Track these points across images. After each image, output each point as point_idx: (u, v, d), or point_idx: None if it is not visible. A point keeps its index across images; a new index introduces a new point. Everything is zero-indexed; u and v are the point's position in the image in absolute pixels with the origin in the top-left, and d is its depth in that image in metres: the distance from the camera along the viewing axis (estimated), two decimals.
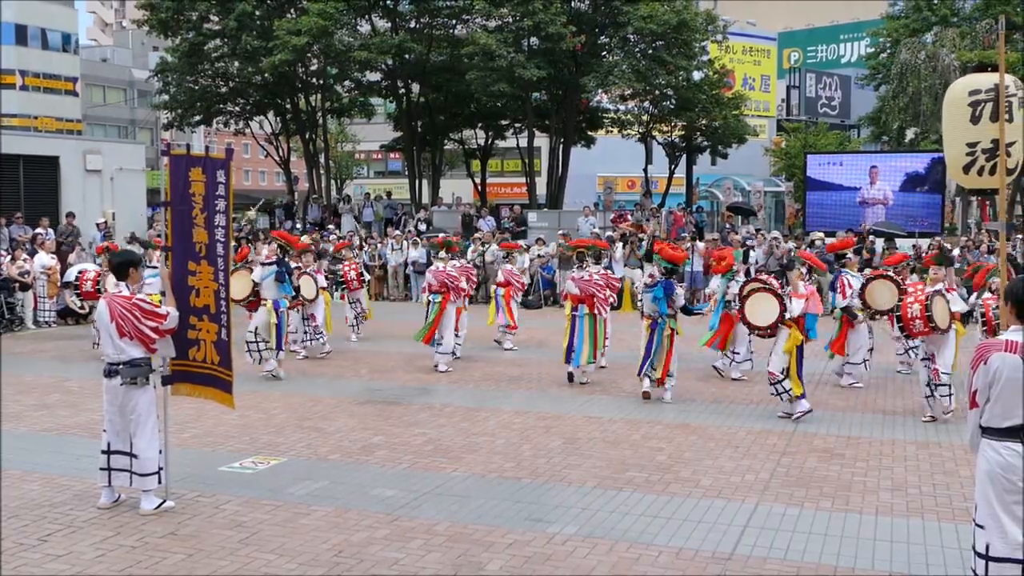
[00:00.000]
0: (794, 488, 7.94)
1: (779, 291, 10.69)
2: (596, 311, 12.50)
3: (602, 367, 13.36)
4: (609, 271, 15.21)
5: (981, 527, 5.15)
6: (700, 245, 22.16)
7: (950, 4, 37.61)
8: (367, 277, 16.24)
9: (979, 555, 5.16)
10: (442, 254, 14.40)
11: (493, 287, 16.36)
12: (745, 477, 8.26)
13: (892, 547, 6.57)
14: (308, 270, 14.58)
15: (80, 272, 15.73)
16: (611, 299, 13.08)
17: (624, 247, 21.94)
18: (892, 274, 12.50)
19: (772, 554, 6.43)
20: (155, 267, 13.08)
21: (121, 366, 7.17)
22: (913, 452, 9.19)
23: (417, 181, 34.02)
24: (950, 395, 10.37)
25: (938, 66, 31.78)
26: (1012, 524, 5.03)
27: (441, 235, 20.57)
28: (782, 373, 10.35)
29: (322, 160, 35.06)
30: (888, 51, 38.54)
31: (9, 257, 18.77)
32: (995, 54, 27.30)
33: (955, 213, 36.11)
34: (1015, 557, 5.03)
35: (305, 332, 14.66)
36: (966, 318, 10.85)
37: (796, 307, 10.42)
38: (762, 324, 10.58)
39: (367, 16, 31.36)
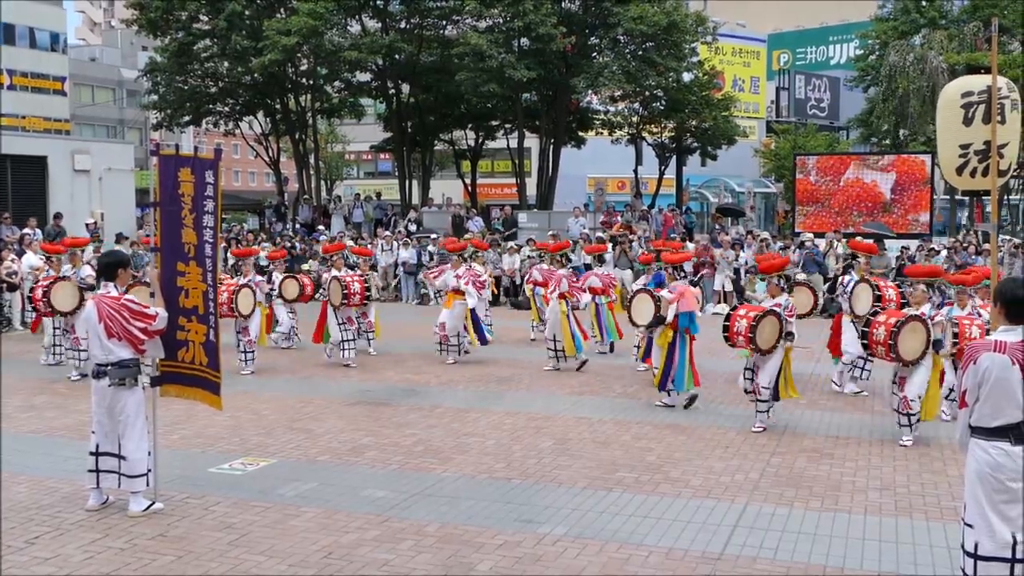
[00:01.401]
0: (784, 488, 7.96)
1: (655, 294, 11.65)
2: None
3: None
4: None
5: (970, 526, 5.18)
6: (690, 246, 22.21)
7: (938, 7, 37.80)
8: (373, 293, 14.97)
9: (968, 554, 5.18)
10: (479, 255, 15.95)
11: (530, 287, 16.35)
12: (735, 477, 8.27)
13: (881, 546, 6.60)
14: (247, 281, 13.71)
15: (33, 285, 14.40)
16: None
17: (614, 248, 21.95)
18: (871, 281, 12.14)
19: (762, 554, 6.44)
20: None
21: (109, 367, 7.14)
22: (902, 452, 9.22)
23: (407, 182, 33.99)
24: (768, 411, 10.08)
25: (926, 68, 31.95)
26: (1000, 523, 5.06)
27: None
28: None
29: (312, 161, 34.99)
30: (877, 53, 38.72)
31: None
32: (982, 56, 27.47)
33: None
34: (1003, 556, 5.06)
35: (238, 346, 13.49)
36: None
37: (669, 311, 10.91)
38: (641, 323, 11.92)
39: (357, 16, 31.31)
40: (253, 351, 13.59)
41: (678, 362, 10.86)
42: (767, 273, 10.78)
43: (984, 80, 9.37)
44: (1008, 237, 25.41)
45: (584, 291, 14.39)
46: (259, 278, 14.27)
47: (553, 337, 13.68)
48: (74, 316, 12.85)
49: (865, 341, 9.72)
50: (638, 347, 13.66)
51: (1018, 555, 5.04)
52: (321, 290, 14.42)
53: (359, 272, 14.76)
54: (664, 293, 11.27)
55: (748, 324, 9.85)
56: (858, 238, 22.85)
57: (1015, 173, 30.76)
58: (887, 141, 36.98)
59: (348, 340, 14.07)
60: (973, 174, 9.54)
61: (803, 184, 26.70)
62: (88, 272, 13.78)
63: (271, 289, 15.34)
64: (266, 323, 15.55)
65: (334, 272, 14.40)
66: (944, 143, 9.83)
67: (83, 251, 14.51)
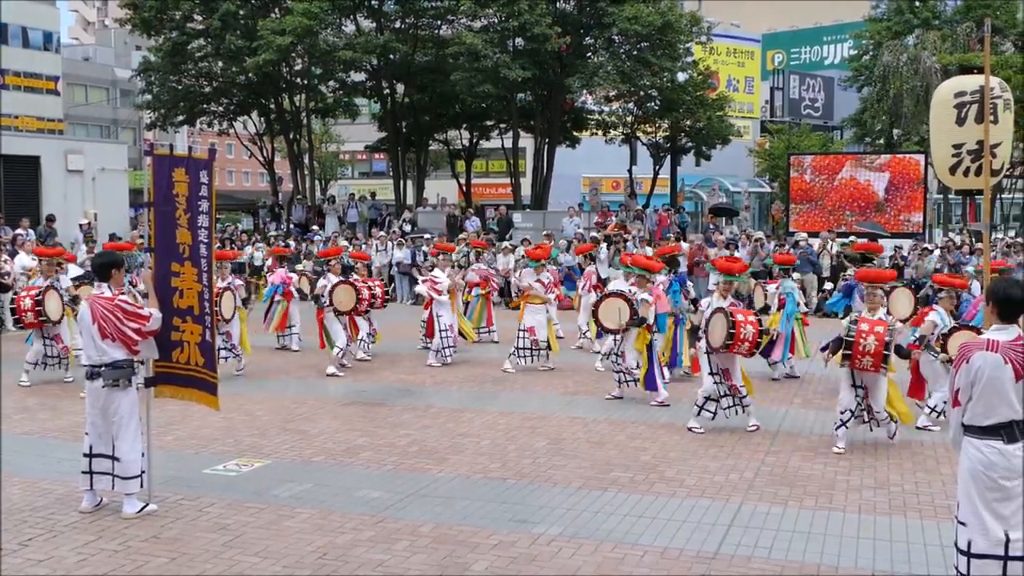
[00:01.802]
0: (778, 487, 7.97)
1: (629, 297, 11.55)
2: None
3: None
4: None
5: (963, 524, 5.20)
6: (684, 246, 22.22)
7: (931, 7, 37.87)
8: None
9: (961, 552, 5.20)
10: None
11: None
12: (729, 476, 8.28)
13: (875, 545, 6.61)
14: (227, 284, 13.20)
15: (15, 296, 13.25)
16: None
17: (608, 248, 21.96)
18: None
19: (756, 553, 6.45)
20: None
21: (103, 368, 7.12)
22: (895, 450, 9.25)
23: (402, 182, 33.99)
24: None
25: (920, 68, 31.99)
26: (993, 521, 5.08)
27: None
28: (636, 366, 11.39)
29: (306, 161, 34.99)
30: (870, 53, 38.77)
31: None
32: (975, 56, 27.54)
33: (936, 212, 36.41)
34: (996, 553, 5.08)
35: (221, 349, 12.66)
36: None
37: (649, 313, 11.36)
38: (612, 327, 11.50)
39: (352, 16, 31.29)
40: (240, 354, 13.44)
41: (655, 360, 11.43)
42: (727, 275, 10.51)
43: (977, 80, 9.38)
44: (1001, 235, 25.51)
45: (590, 290, 15.64)
46: (238, 281, 14.06)
47: (547, 339, 13.74)
48: (58, 325, 12.67)
49: (848, 352, 9.11)
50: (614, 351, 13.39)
51: (1011, 553, 5.06)
52: (321, 298, 13.78)
53: (358, 277, 14.63)
54: (645, 296, 11.44)
55: (755, 331, 9.76)
56: (852, 237, 22.96)
57: (1008, 173, 30.83)
58: (880, 141, 37.05)
59: (348, 345, 13.90)
60: (966, 173, 9.54)
61: (797, 182, 26.74)
62: (68, 283, 13.51)
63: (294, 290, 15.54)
64: (281, 322, 15.72)
65: (333, 278, 13.91)
66: (937, 143, 9.84)
67: (49, 260, 13.95)
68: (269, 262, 20.21)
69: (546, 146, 31.89)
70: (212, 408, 7.71)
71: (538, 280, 14.04)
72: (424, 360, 14.40)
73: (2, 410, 10.94)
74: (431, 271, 15.17)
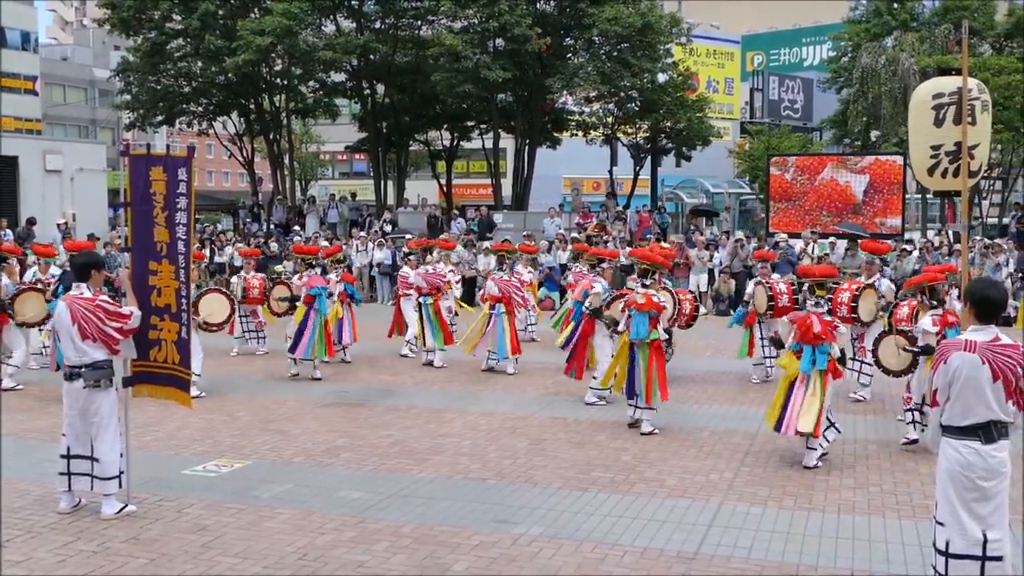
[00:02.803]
0: (758, 487, 8.00)
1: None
2: None
3: None
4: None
5: (941, 524, 5.24)
6: (665, 247, 22.29)
7: (909, 9, 38.14)
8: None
9: (939, 552, 5.24)
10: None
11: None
12: (709, 476, 8.31)
13: (854, 545, 6.65)
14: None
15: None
16: None
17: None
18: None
19: (736, 553, 6.48)
20: None
21: (83, 369, 7.07)
22: (874, 451, 9.30)
23: (382, 182, 33.88)
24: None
25: (898, 70, 32.20)
26: (971, 521, 5.12)
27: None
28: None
29: (286, 161, 34.82)
30: (849, 55, 39.00)
31: None
32: (953, 58, 27.76)
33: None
34: (974, 554, 5.12)
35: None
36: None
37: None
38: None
39: (332, 16, 31.19)
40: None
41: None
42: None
43: (955, 81, 9.46)
44: (979, 237, 25.74)
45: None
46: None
47: None
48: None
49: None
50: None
51: (989, 553, 5.10)
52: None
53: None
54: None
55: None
56: (831, 238, 23.10)
57: (986, 174, 31.09)
58: (859, 142, 37.27)
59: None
60: (944, 175, 9.61)
61: (778, 180, 26.78)
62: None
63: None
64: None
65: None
66: (916, 144, 9.92)
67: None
68: (240, 261, 20.03)
69: (527, 147, 31.89)
70: (185, 406, 7.70)
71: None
72: (406, 361, 14.41)
73: (1, 410, 10.86)
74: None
